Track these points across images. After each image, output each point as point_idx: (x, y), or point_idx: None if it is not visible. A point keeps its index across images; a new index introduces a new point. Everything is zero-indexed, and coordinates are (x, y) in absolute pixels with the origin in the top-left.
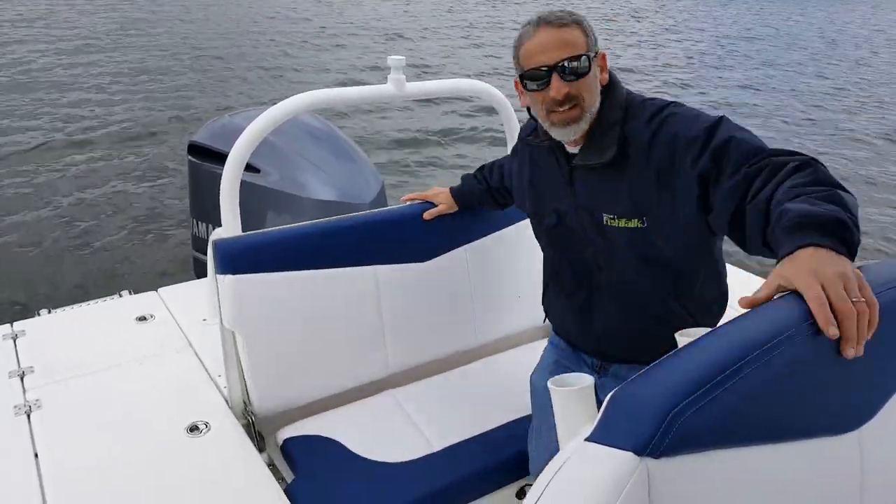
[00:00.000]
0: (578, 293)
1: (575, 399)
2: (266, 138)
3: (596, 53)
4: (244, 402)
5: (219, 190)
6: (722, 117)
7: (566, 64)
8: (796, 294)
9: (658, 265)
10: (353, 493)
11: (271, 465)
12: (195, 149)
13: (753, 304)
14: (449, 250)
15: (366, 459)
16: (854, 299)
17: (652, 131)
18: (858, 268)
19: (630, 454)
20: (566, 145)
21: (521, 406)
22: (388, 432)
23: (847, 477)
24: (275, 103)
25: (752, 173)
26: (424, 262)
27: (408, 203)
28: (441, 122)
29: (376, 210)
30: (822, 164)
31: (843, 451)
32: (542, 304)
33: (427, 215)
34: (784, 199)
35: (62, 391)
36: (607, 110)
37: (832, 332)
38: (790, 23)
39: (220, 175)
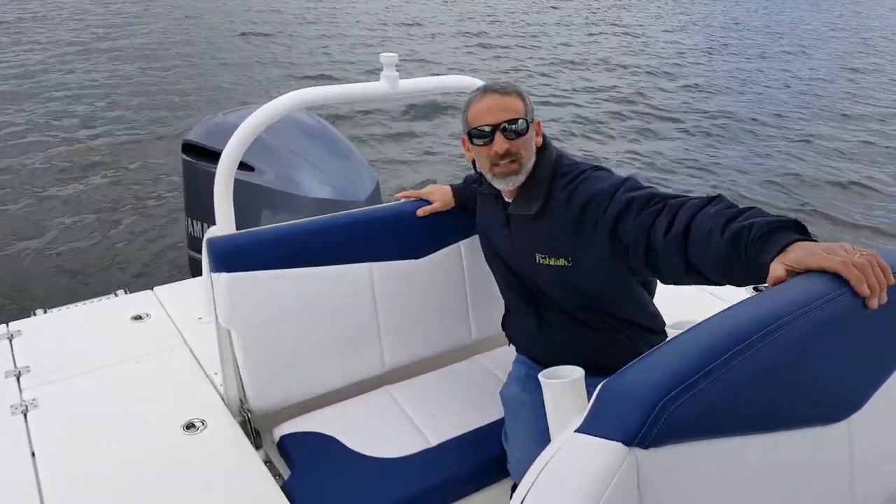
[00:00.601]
0: (530, 318)
1: (566, 391)
2: (260, 136)
3: (532, 120)
4: (240, 400)
5: (212, 188)
6: (629, 177)
7: (507, 125)
8: (782, 287)
9: (586, 296)
10: (351, 489)
11: (268, 463)
12: (189, 147)
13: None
14: (443, 247)
15: (362, 455)
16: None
17: (569, 191)
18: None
19: (619, 444)
20: (504, 195)
21: None
22: (385, 428)
23: (836, 466)
24: (268, 101)
25: (653, 213)
26: (419, 259)
27: (402, 200)
28: (433, 116)
29: (370, 207)
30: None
31: (833, 440)
32: (503, 329)
33: (421, 212)
34: (720, 222)
35: (59, 391)
36: (539, 169)
37: (864, 288)
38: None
39: (215, 173)
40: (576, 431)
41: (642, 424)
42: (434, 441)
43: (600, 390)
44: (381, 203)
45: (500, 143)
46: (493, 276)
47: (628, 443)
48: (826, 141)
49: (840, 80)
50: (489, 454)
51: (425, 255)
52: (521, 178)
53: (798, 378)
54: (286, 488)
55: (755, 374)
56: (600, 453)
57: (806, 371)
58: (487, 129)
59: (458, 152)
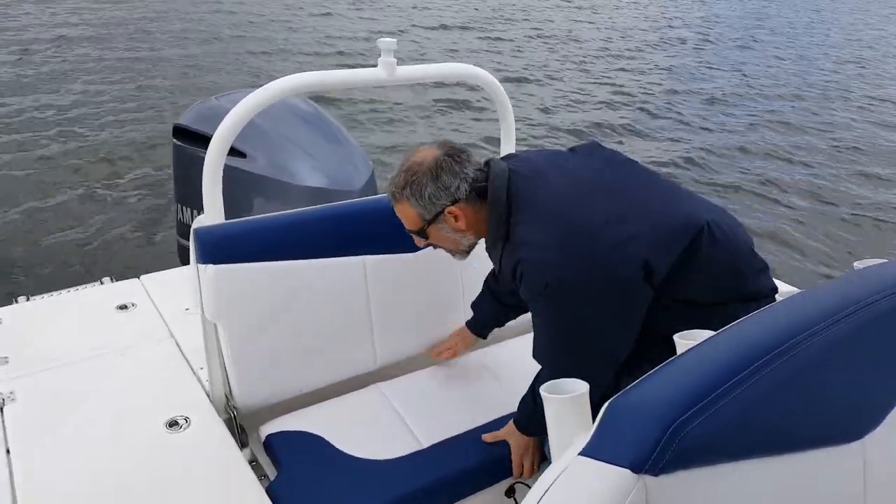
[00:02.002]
0: None
1: (569, 407)
2: (253, 121)
3: (437, 215)
4: (226, 397)
5: (202, 174)
6: (547, 285)
7: (409, 232)
8: (795, 303)
9: None
10: (337, 492)
11: (254, 462)
12: (180, 132)
13: None
14: None
15: (351, 457)
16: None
17: (511, 264)
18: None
19: (627, 471)
20: None
21: (511, 401)
22: (375, 428)
23: (851, 487)
24: (261, 85)
25: None
26: (414, 253)
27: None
28: (433, 105)
29: (363, 199)
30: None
31: (848, 460)
32: None
33: (443, 356)
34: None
35: (37, 383)
36: (491, 232)
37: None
38: None
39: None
40: (580, 454)
41: (653, 449)
42: (425, 443)
43: (607, 409)
44: (377, 191)
45: (417, 243)
46: (487, 272)
47: (637, 469)
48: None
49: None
50: (483, 456)
51: (420, 249)
52: (462, 258)
53: (813, 397)
54: (271, 490)
55: (769, 394)
56: (607, 480)
57: (821, 390)
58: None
59: (460, 139)
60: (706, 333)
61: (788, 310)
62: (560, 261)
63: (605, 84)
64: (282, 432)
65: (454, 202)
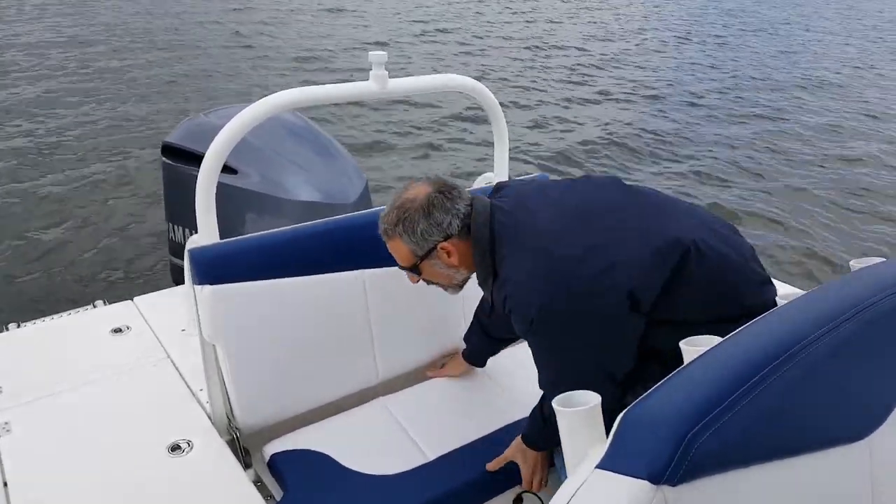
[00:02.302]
0: None
1: (582, 420)
2: (244, 137)
3: (430, 251)
4: (228, 418)
5: (193, 192)
6: (533, 320)
7: (402, 268)
8: (799, 305)
9: None
10: None
11: (258, 483)
12: (169, 150)
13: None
14: None
15: (357, 473)
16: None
17: (501, 299)
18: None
19: (646, 483)
20: None
21: (514, 409)
22: (380, 443)
23: (859, 485)
24: (251, 101)
25: None
26: None
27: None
28: (426, 117)
29: (360, 212)
30: None
31: (855, 460)
32: None
33: (433, 374)
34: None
35: (33, 412)
36: (479, 269)
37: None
38: None
39: (196, 176)
40: (597, 467)
41: (670, 460)
42: (431, 455)
43: (621, 421)
44: (371, 204)
45: (411, 279)
46: None
47: (656, 480)
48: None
49: None
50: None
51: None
52: (456, 291)
53: (820, 400)
54: None
55: (779, 399)
56: (627, 492)
57: (827, 392)
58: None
59: (452, 148)
60: (713, 339)
61: (793, 314)
62: (543, 297)
63: (593, 86)
64: (286, 451)
65: (446, 238)
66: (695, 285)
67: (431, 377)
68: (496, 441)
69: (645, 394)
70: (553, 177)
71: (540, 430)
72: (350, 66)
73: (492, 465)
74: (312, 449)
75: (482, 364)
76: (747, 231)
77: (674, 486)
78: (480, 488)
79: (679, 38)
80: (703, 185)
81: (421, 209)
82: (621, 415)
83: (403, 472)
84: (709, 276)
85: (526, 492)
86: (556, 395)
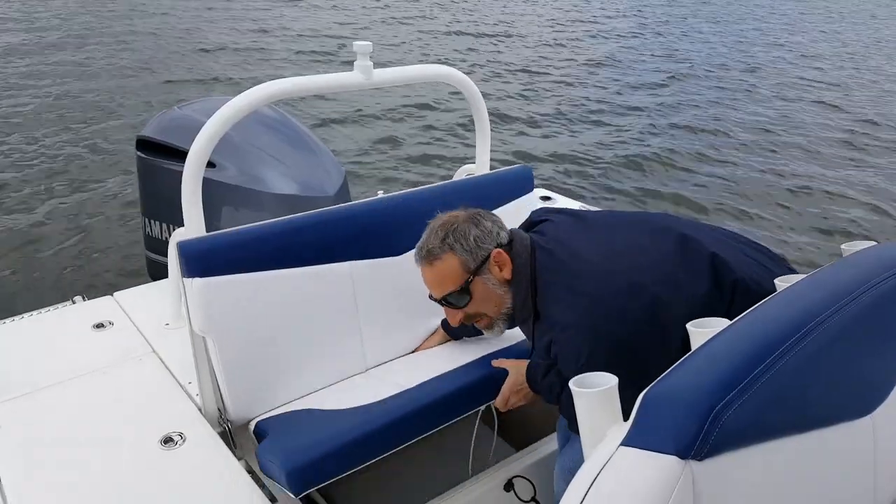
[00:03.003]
0: None
1: (600, 400)
2: None
3: (482, 263)
4: (219, 410)
5: (171, 186)
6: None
7: (448, 299)
8: (812, 284)
9: None
10: (316, 434)
11: (251, 473)
12: (144, 144)
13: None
14: None
15: (335, 410)
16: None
17: (546, 344)
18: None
19: (674, 458)
20: None
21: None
22: (360, 388)
23: (862, 459)
24: (222, 94)
25: None
26: (399, 256)
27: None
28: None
29: (348, 204)
30: None
31: (860, 434)
32: None
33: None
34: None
35: (19, 409)
36: (518, 310)
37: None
38: None
39: (173, 171)
40: (623, 445)
41: (697, 435)
42: (409, 385)
43: (644, 399)
44: (350, 197)
45: (451, 316)
46: None
47: (683, 455)
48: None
49: None
50: (462, 382)
51: (405, 252)
52: (502, 326)
53: (829, 377)
54: (258, 453)
55: (793, 377)
56: (654, 468)
57: (836, 369)
58: (438, 301)
59: (432, 140)
60: (722, 321)
61: (803, 294)
62: (592, 343)
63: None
64: (269, 417)
65: (499, 246)
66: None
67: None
68: (471, 364)
69: (665, 373)
70: (536, 172)
71: (548, 382)
72: (328, 58)
73: (496, 362)
74: (295, 409)
75: (458, 337)
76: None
77: (700, 461)
78: (453, 401)
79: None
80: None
81: (470, 220)
82: (643, 393)
83: (381, 399)
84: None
85: (518, 476)
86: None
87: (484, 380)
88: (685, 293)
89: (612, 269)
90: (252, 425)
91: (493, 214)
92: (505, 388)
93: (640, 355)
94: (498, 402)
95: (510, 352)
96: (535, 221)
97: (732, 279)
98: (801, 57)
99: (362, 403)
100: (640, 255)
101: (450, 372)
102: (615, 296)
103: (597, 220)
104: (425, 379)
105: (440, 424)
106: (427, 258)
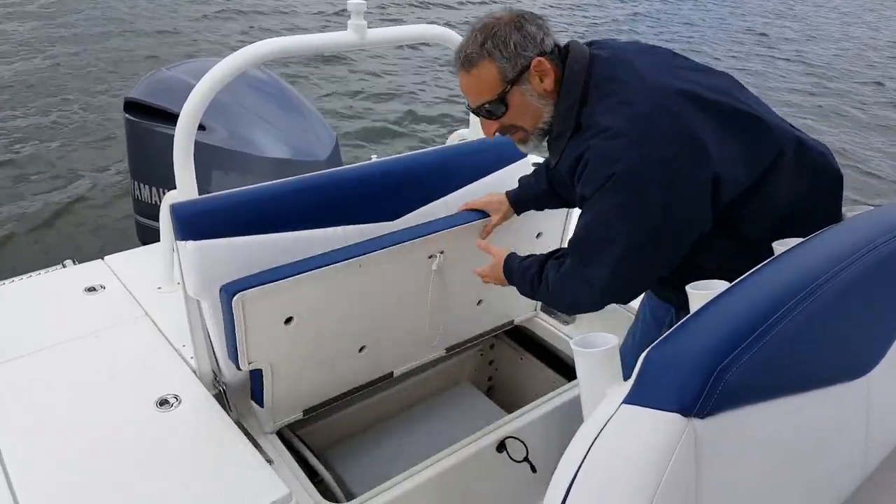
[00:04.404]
0: None
1: (600, 360)
2: None
3: (522, 73)
4: (213, 373)
5: (160, 149)
6: (613, 175)
7: (484, 108)
8: (811, 247)
9: None
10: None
11: (247, 435)
12: (133, 106)
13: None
14: (417, 208)
15: None
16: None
17: (576, 157)
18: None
19: (676, 415)
20: None
21: None
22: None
23: (855, 420)
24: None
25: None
26: (394, 221)
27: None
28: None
29: (343, 168)
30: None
31: (854, 395)
32: None
33: (483, 233)
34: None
35: (13, 372)
36: (557, 121)
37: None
38: None
39: (162, 133)
40: (625, 402)
41: (699, 393)
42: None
43: (646, 358)
44: (342, 162)
45: (486, 127)
46: None
47: (686, 413)
48: None
49: None
50: None
51: (400, 216)
52: (537, 142)
53: (829, 338)
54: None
55: (795, 337)
56: (658, 425)
57: (836, 331)
58: (473, 111)
59: (426, 104)
60: (721, 284)
61: (807, 253)
62: (631, 156)
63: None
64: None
65: (542, 54)
66: (780, 192)
67: (464, 208)
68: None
69: (668, 332)
70: None
71: (522, 274)
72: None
73: (480, 244)
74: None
75: (520, 210)
76: None
77: (702, 418)
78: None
79: None
80: None
81: (512, 23)
82: (645, 352)
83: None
84: (795, 187)
85: (510, 437)
86: (574, 267)
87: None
88: (729, 145)
89: (670, 97)
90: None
91: (540, 17)
92: (485, 268)
93: (672, 195)
94: (478, 270)
95: None
96: (594, 42)
97: (779, 144)
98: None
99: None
100: (700, 97)
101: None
102: (669, 123)
103: (659, 50)
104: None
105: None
106: (464, 64)
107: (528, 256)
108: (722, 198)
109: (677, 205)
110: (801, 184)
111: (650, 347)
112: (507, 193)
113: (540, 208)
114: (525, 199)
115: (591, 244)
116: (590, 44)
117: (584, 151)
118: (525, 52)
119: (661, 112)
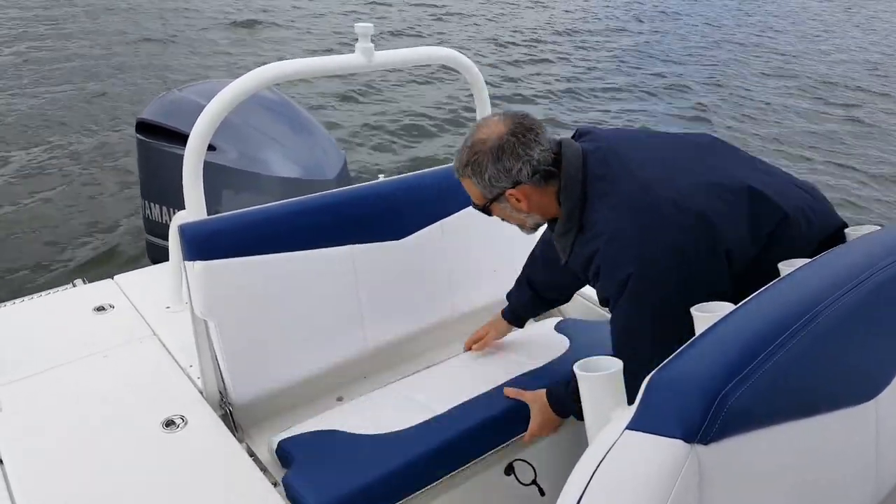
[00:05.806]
0: None
1: (604, 385)
2: None
3: (499, 195)
4: (220, 394)
5: (171, 169)
6: (626, 283)
7: (476, 207)
8: (815, 269)
9: None
10: (355, 465)
11: (252, 456)
12: (144, 126)
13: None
14: (423, 227)
15: (364, 435)
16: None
17: (587, 256)
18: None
19: (679, 441)
20: None
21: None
22: (391, 411)
23: (865, 444)
24: (219, 77)
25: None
26: (400, 240)
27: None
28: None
29: (349, 188)
30: None
31: (863, 419)
32: None
33: (476, 348)
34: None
35: (21, 391)
36: (562, 221)
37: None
38: None
39: (173, 153)
40: (628, 428)
41: (703, 418)
42: (440, 410)
43: (649, 383)
44: (351, 180)
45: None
46: (474, 255)
47: (689, 439)
48: None
49: None
50: (498, 409)
51: (406, 236)
52: (531, 232)
53: (834, 362)
54: (287, 480)
55: (799, 361)
56: (660, 452)
57: (840, 354)
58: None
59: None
60: (726, 306)
61: (809, 277)
62: (642, 251)
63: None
64: (294, 436)
65: (515, 185)
66: (786, 257)
67: (468, 349)
68: (502, 389)
69: (670, 357)
70: None
71: (569, 396)
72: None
73: (510, 392)
74: (319, 430)
75: (521, 324)
76: None
77: (706, 444)
78: (478, 441)
79: None
80: None
81: (490, 153)
82: (648, 377)
83: (410, 427)
84: (799, 250)
85: (518, 459)
86: (631, 359)
87: (516, 408)
88: (732, 213)
89: (666, 181)
90: (274, 444)
91: (532, 133)
92: (533, 425)
93: (693, 275)
94: (526, 438)
95: (537, 375)
96: (582, 132)
97: (781, 210)
98: None
99: (391, 430)
100: (692, 172)
101: (480, 397)
102: (669, 207)
103: (646, 135)
104: (454, 404)
105: (471, 460)
106: (455, 172)
107: (560, 382)
108: (735, 263)
109: (695, 279)
110: (806, 243)
111: (654, 371)
112: (502, 313)
113: (536, 314)
114: (518, 311)
115: (627, 344)
116: (578, 135)
117: (594, 256)
118: (499, 183)
119: (659, 201)
